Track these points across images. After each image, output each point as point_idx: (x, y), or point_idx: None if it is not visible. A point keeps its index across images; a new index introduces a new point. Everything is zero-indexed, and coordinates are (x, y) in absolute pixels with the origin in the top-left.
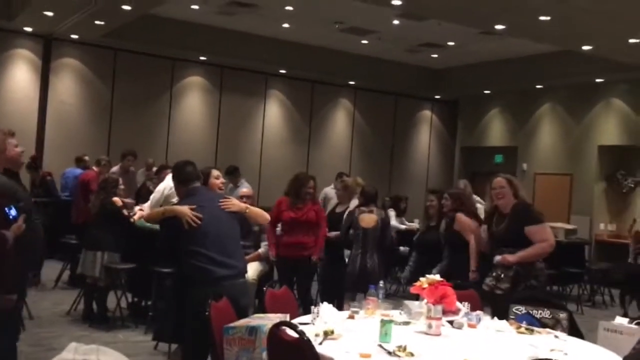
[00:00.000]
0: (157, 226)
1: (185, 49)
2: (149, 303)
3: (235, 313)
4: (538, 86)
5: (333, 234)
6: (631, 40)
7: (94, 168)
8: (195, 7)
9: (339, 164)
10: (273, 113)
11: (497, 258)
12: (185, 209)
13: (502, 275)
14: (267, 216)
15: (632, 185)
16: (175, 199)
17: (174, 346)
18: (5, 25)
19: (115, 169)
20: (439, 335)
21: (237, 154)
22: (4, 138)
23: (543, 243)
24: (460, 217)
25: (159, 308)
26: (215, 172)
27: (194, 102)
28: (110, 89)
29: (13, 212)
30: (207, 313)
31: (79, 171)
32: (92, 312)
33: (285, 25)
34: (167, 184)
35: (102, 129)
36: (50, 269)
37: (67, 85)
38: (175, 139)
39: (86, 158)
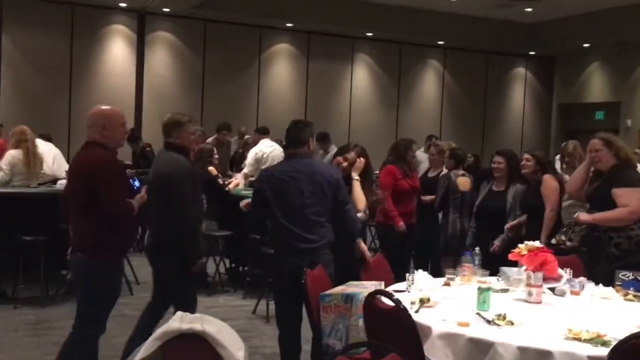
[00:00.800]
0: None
1: (272, 17)
2: (246, 269)
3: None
4: None
5: (428, 198)
6: None
7: None
8: None
9: (429, 126)
10: (360, 77)
11: (575, 215)
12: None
13: (572, 233)
14: (363, 204)
15: None
16: (267, 164)
17: (271, 310)
18: (101, 1)
19: (210, 140)
20: (539, 303)
21: (326, 120)
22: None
23: (623, 208)
24: (549, 179)
25: (255, 274)
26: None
27: (282, 69)
28: (201, 60)
29: (137, 183)
30: (302, 281)
31: None
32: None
33: None
34: (259, 148)
35: (195, 100)
36: None
37: (161, 58)
38: (264, 106)
39: None
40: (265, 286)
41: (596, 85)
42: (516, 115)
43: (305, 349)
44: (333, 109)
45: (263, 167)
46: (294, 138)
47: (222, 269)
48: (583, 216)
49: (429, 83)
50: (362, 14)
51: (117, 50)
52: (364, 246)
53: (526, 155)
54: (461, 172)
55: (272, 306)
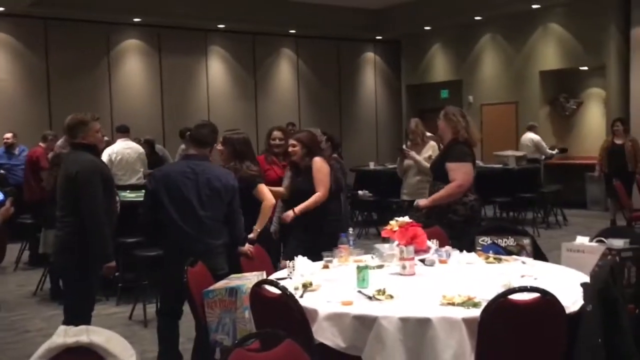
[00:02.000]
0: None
1: (118, 12)
2: (117, 274)
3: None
4: (477, 18)
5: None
6: None
7: (41, 144)
8: None
9: (288, 114)
10: (216, 70)
11: (415, 203)
12: None
13: (416, 216)
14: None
15: (575, 107)
16: (121, 167)
17: (149, 313)
18: None
19: (60, 142)
20: (413, 274)
21: (185, 115)
22: None
23: (452, 183)
24: (319, 162)
25: (127, 278)
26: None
27: (133, 66)
28: (44, 60)
29: (0, 195)
30: (184, 279)
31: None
32: (60, 290)
33: None
34: (113, 149)
35: (41, 102)
36: (9, 251)
37: None
38: (118, 105)
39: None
40: (139, 290)
41: (439, 66)
42: (369, 98)
43: (186, 347)
44: (191, 103)
45: (116, 170)
46: (198, 139)
47: None
48: (422, 202)
49: (284, 72)
50: (213, 7)
51: None
52: (246, 247)
53: (291, 141)
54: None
55: (149, 310)
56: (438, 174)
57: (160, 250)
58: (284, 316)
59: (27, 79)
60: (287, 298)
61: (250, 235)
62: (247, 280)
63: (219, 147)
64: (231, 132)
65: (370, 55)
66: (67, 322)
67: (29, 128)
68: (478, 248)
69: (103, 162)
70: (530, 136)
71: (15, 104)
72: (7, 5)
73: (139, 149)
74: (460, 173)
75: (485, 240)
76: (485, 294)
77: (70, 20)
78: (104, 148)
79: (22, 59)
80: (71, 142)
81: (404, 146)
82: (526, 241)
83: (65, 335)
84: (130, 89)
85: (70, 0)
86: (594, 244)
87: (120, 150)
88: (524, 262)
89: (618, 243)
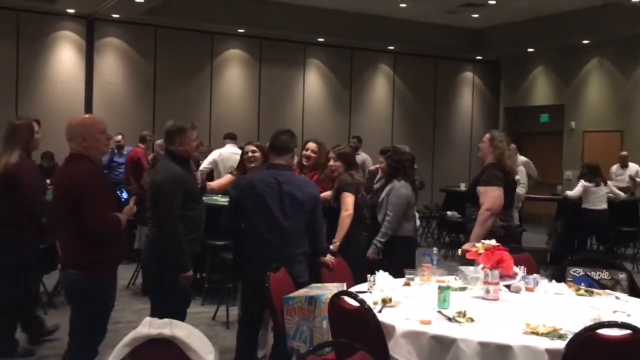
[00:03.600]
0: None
1: (223, 22)
2: (204, 275)
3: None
4: (584, 41)
5: None
6: None
7: (140, 145)
8: None
9: (381, 129)
10: (313, 82)
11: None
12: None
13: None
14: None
15: None
16: (220, 167)
17: (231, 315)
18: (48, 7)
19: (160, 141)
20: (497, 300)
21: (279, 124)
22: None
23: (482, 209)
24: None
25: (214, 280)
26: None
27: (234, 74)
28: (152, 65)
29: (125, 195)
30: (266, 284)
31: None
32: None
33: None
34: (222, 151)
35: (147, 106)
36: None
37: (110, 64)
38: (217, 112)
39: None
40: (224, 292)
41: (540, 89)
42: (465, 118)
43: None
44: (286, 114)
45: (222, 171)
46: (278, 147)
47: None
48: (468, 247)
49: (380, 87)
50: (314, 20)
51: (65, 57)
52: (328, 258)
53: (331, 155)
54: None
55: (232, 312)
56: (471, 197)
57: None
58: (361, 329)
59: (135, 83)
60: (365, 311)
61: (331, 247)
62: (327, 290)
63: (331, 162)
64: (339, 147)
65: (468, 74)
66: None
67: (135, 130)
68: (569, 279)
69: (191, 175)
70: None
71: (124, 106)
72: (122, 13)
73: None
74: (488, 197)
75: (577, 271)
76: (572, 327)
77: (178, 29)
78: (205, 154)
79: (133, 64)
80: (166, 148)
81: None
82: (622, 276)
83: (150, 327)
84: (230, 96)
85: (180, 10)
86: None
87: (227, 154)
88: (617, 298)
89: None
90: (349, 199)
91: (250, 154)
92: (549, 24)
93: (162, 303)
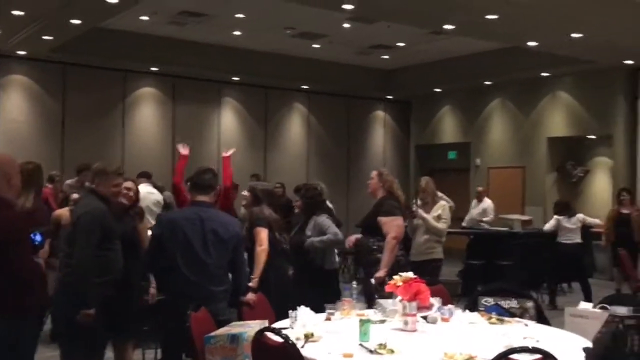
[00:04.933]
0: None
1: (137, 61)
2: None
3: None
4: (487, 82)
5: None
6: (573, 35)
7: (48, 185)
8: (145, 18)
9: (296, 168)
10: (228, 121)
11: (372, 281)
12: None
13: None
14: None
15: (582, 175)
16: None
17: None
18: None
19: (70, 181)
20: (415, 331)
21: (194, 163)
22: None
23: (388, 237)
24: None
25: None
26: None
27: (147, 113)
28: (60, 103)
29: (38, 237)
30: (187, 324)
31: None
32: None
33: (237, 32)
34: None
35: (55, 145)
36: None
37: (16, 102)
38: (130, 151)
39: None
40: (139, 336)
41: (448, 127)
42: (378, 156)
43: None
44: (201, 153)
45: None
46: (201, 185)
47: None
48: (380, 274)
49: (295, 125)
50: (229, 59)
51: None
52: (249, 296)
53: (244, 193)
54: None
55: (148, 357)
56: (369, 228)
57: (162, 296)
58: None
59: (42, 121)
60: (289, 347)
61: (250, 284)
62: (250, 327)
63: (244, 192)
64: (257, 182)
65: (380, 113)
66: None
67: (43, 170)
68: (481, 308)
69: (110, 214)
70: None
71: (30, 145)
72: (29, 50)
73: (159, 195)
74: (393, 226)
75: (488, 300)
76: (487, 354)
77: (88, 67)
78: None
79: (39, 102)
80: (89, 187)
81: (413, 205)
82: (529, 304)
83: None
84: (143, 135)
85: (90, 47)
86: (597, 310)
87: (143, 194)
88: (526, 325)
89: (622, 310)
90: (262, 234)
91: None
92: (455, 66)
93: (71, 350)
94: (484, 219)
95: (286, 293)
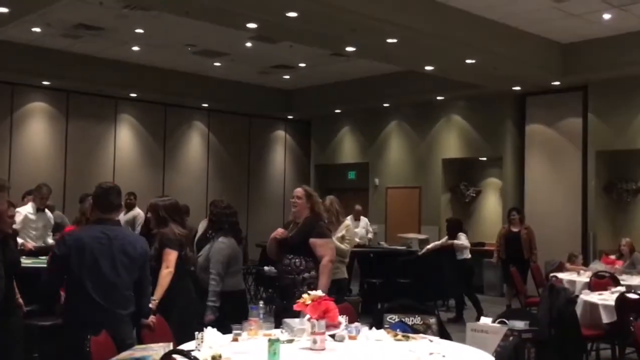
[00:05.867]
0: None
1: (27, 74)
2: None
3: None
4: (385, 104)
5: None
6: (468, 61)
7: None
8: (37, 29)
9: (195, 186)
10: (125, 137)
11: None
12: None
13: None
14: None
15: (474, 195)
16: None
17: None
18: None
19: None
20: (324, 349)
21: (88, 181)
22: None
23: (325, 259)
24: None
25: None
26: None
27: (38, 128)
28: None
29: None
30: (87, 349)
31: None
32: None
33: (135, 48)
34: (20, 209)
35: None
36: None
37: None
38: (18, 167)
39: None
40: None
41: (347, 148)
42: (278, 175)
43: None
44: (96, 170)
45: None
46: (107, 203)
47: None
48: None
49: (195, 144)
50: (127, 74)
51: None
52: (150, 318)
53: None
54: None
55: None
56: (298, 249)
57: (56, 320)
58: None
59: None
60: None
61: (150, 305)
62: (153, 351)
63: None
64: (159, 198)
65: (281, 133)
66: None
67: None
68: (386, 325)
69: None
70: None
71: None
72: None
73: (49, 213)
74: (328, 249)
75: (393, 317)
76: None
77: None
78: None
79: None
80: None
81: None
82: (432, 320)
83: None
84: (33, 151)
85: None
86: (497, 324)
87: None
88: (431, 341)
89: (519, 324)
90: (171, 256)
91: (294, 199)
92: (354, 87)
93: None
94: (369, 235)
95: (190, 315)
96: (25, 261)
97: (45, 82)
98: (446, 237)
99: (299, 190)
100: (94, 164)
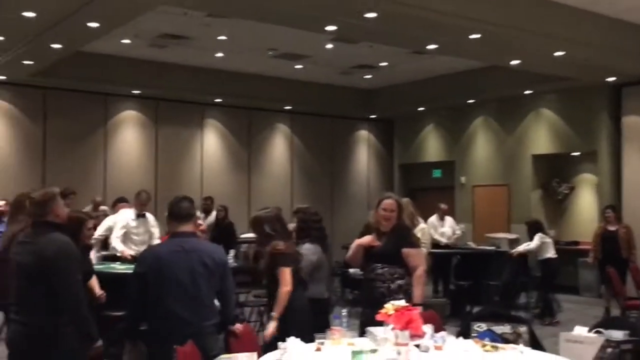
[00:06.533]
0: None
1: (118, 84)
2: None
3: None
4: (469, 101)
5: None
6: (556, 54)
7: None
8: (126, 41)
9: (280, 188)
10: (211, 142)
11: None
12: None
13: None
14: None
15: (567, 192)
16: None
17: None
18: None
19: None
20: None
21: (177, 186)
22: None
23: (420, 270)
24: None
25: (112, 353)
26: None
27: (129, 136)
28: (41, 128)
29: None
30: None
31: None
32: None
33: (219, 54)
34: (119, 217)
35: (35, 170)
36: None
37: None
38: (112, 174)
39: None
40: None
41: (432, 146)
42: (362, 175)
43: None
44: (184, 175)
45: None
46: (181, 215)
47: None
48: (417, 300)
49: (279, 147)
50: (211, 81)
51: None
52: (236, 326)
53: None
54: None
55: None
56: (389, 258)
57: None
58: None
59: (23, 146)
60: None
61: (271, 326)
62: None
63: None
64: (262, 210)
65: (364, 133)
66: None
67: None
68: (473, 335)
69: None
70: None
71: (10, 171)
72: (8, 75)
73: (150, 219)
74: (421, 258)
75: (480, 326)
76: None
77: (69, 91)
78: (99, 219)
79: (20, 127)
80: (40, 221)
81: None
82: (523, 329)
83: None
84: (125, 158)
85: (70, 72)
86: (592, 335)
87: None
88: (522, 352)
89: (617, 335)
90: (287, 275)
91: (387, 212)
92: (437, 84)
93: None
94: (456, 234)
95: (306, 321)
96: (120, 267)
97: (135, 91)
98: (528, 243)
99: (391, 203)
100: (182, 169)
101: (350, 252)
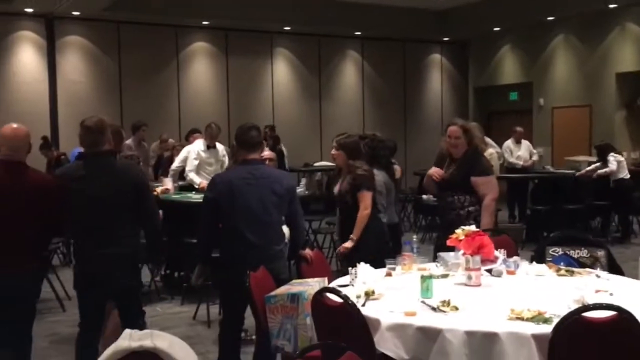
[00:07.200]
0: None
1: (188, 16)
2: (182, 274)
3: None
4: (549, 18)
5: None
6: None
7: None
8: None
9: (352, 116)
10: (281, 71)
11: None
12: None
13: None
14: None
15: None
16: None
17: (212, 314)
18: (6, 8)
19: (129, 141)
20: (479, 285)
21: (249, 115)
22: None
23: (488, 198)
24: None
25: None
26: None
27: (201, 68)
28: (116, 62)
29: None
30: (247, 284)
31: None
32: None
33: None
34: (192, 147)
35: (114, 103)
36: None
37: (73, 63)
38: (186, 106)
39: None
40: (204, 290)
41: (508, 67)
42: (435, 100)
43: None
44: (256, 104)
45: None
46: (248, 143)
47: (157, 277)
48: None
49: (349, 73)
50: (279, 9)
51: (26, 58)
52: (307, 251)
53: (333, 144)
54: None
55: (212, 310)
56: (456, 186)
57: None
58: (346, 325)
59: (100, 81)
60: (349, 307)
61: (347, 245)
62: (309, 286)
63: (333, 152)
64: (342, 136)
65: (436, 56)
66: None
67: None
68: (548, 259)
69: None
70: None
71: (90, 105)
72: (82, 10)
73: (220, 149)
74: (492, 186)
75: (556, 250)
76: (557, 309)
77: (141, 24)
78: (177, 153)
79: (96, 62)
80: (109, 150)
81: None
82: (600, 253)
83: (130, 339)
84: (198, 89)
85: (142, 5)
86: None
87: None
88: (598, 276)
89: None
90: (367, 199)
91: (452, 139)
92: (513, 2)
93: None
94: (534, 157)
95: (382, 244)
96: (196, 197)
97: (205, 22)
98: (597, 164)
99: (455, 130)
100: (254, 99)
101: (425, 179)
